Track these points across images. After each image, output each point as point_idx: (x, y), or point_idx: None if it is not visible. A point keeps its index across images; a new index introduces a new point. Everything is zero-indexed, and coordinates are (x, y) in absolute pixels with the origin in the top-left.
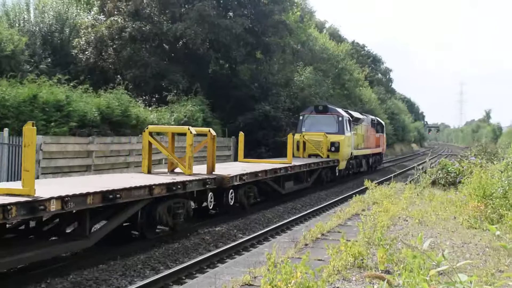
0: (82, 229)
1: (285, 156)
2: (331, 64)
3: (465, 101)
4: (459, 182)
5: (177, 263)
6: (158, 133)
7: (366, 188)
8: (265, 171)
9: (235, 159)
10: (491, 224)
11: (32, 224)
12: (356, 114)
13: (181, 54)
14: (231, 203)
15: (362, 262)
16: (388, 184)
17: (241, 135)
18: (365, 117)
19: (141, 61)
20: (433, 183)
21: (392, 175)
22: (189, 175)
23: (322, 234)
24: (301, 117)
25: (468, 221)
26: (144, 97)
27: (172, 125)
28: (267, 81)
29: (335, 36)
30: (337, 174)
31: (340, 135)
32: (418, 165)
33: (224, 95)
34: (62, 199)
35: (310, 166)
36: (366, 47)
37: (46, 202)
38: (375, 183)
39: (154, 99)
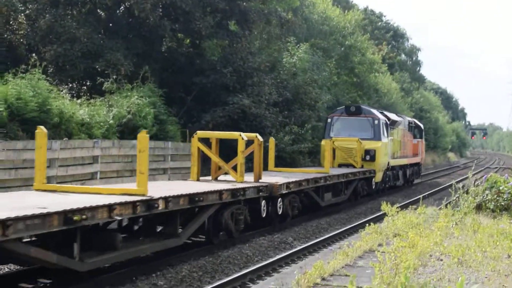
0: (173, 228)
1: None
2: (335, 40)
3: None
4: None
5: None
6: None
7: (385, 215)
8: (307, 180)
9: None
10: None
11: (125, 223)
12: (392, 116)
13: (123, 25)
14: (280, 213)
15: None
16: (415, 209)
17: (272, 141)
18: (401, 119)
19: (66, 33)
20: (479, 207)
21: (420, 196)
22: (241, 182)
23: (323, 279)
24: (329, 120)
25: None
26: (70, 85)
27: (111, 123)
28: (246, 64)
29: (341, 1)
30: (373, 187)
31: (376, 141)
32: (457, 182)
33: (183, 83)
34: (165, 199)
35: (347, 176)
36: (385, 16)
37: (157, 201)
38: (397, 207)
39: (85, 87)
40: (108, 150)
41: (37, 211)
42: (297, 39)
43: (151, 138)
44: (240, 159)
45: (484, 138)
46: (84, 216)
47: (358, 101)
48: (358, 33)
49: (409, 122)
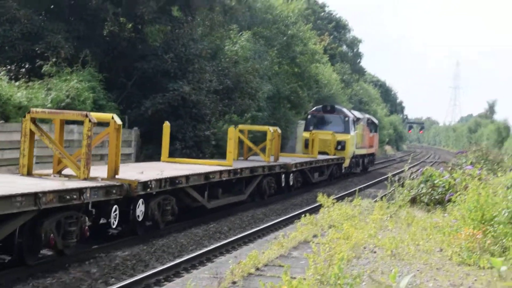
0: (241, 188)
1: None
2: (277, 29)
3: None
4: (449, 200)
5: None
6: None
7: (320, 206)
8: (308, 162)
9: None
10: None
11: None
12: (357, 114)
13: (64, 7)
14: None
15: None
16: (351, 201)
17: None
18: (362, 116)
19: (6, 13)
20: (413, 200)
21: (356, 188)
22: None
23: (257, 269)
24: (309, 116)
25: (459, 254)
26: (8, 67)
27: (49, 107)
28: (187, 51)
29: None
30: (342, 170)
31: (346, 134)
32: (394, 175)
33: (125, 68)
34: (241, 169)
35: (327, 161)
36: (327, 7)
37: (240, 170)
38: (333, 199)
39: (24, 69)
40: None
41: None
42: (239, 27)
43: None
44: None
45: (421, 132)
46: (212, 176)
47: (298, 91)
48: (301, 22)
49: (367, 119)
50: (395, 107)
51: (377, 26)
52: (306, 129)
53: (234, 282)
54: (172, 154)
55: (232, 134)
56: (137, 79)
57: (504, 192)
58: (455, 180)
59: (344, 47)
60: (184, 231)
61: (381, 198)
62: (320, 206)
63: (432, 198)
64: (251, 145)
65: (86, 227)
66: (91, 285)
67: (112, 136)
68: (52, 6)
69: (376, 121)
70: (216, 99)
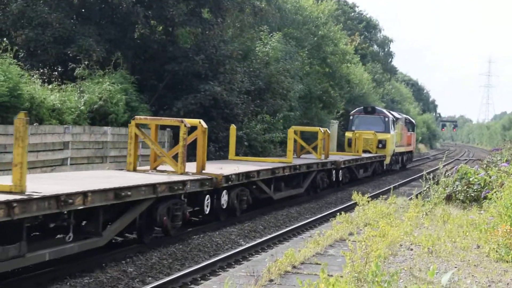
0: (299, 182)
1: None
2: (307, 30)
3: (493, 86)
4: (485, 197)
5: None
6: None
7: (355, 204)
8: (354, 159)
9: None
10: None
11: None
12: (396, 115)
13: (95, 11)
14: (224, 207)
15: None
16: (386, 199)
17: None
18: (401, 116)
19: (38, 18)
20: (449, 198)
21: (390, 186)
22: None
23: (294, 267)
24: (351, 117)
25: (497, 251)
26: (41, 70)
27: (82, 109)
28: (218, 52)
29: None
30: (384, 167)
31: (386, 134)
32: (428, 173)
33: (156, 70)
34: (300, 165)
35: (370, 159)
36: (358, 7)
37: (299, 166)
38: (368, 197)
39: (56, 73)
40: (79, 136)
41: (264, 167)
42: (270, 28)
43: (123, 125)
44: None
45: (454, 130)
46: (277, 171)
47: (330, 91)
48: (331, 23)
49: (405, 118)
50: (428, 105)
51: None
52: (349, 129)
53: (271, 280)
54: (207, 155)
55: (292, 134)
56: (168, 81)
57: None
58: (490, 177)
59: (375, 47)
60: (219, 230)
61: (416, 196)
62: (355, 204)
63: (468, 195)
64: (304, 144)
65: (187, 212)
66: (128, 284)
67: (199, 137)
68: (83, 10)
69: (413, 121)
70: (247, 100)
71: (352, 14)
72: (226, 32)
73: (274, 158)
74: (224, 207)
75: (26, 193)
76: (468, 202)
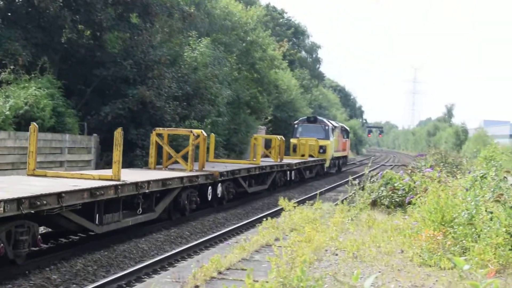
0: (264, 180)
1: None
2: (236, 35)
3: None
4: (409, 202)
5: None
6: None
7: (282, 210)
8: (303, 162)
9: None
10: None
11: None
12: (334, 123)
13: (22, 14)
14: (219, 196)
15: None
16: (312, 205)
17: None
18: (338, 125)
19: None
20: (374, 203)
21: (317, 191)
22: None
23: (220, 272)
24: (295, 126)
25: (420, 255)
26: None
27: (7, 114)
28: (146, 57)
29: None
30: (325, 170)
31: (326, 140)
32: (354, 178)
33: (83, 75)
34: (288, 164)
35: (315, 162)
36: (286, 13)
37: (264, 167)
38: (295, 203)
39: None
40: (4, 141)
41: (242, 167)
42: (198, 33)
43: (48, 130)
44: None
45: (380, 136)
46: (252, 171)
47: (258, 96)
48: (260, 29)
49: (341, 127)
50: (355, 111)
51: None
52: (294, 136)
53: (196, 286)
54: (133, 160)
55: (260, 140)
56: (96, 86)
57: (463, 194)
58: (415, 182)
59: (303, 53)
60: (145, 237)
61: (342, 201)
62: (281, 210)
63: (393, 200)
64: (264, 150)
65: (198, 199)
66: None
67: (201, 143)
68: (9, 14)
69: (347, 128)
70: (176, 105)
71: (281, 20)
72: (154, 37)
73: (245, 160)
74: (219, 196)
75: (121, 180)
76: (392, 207)
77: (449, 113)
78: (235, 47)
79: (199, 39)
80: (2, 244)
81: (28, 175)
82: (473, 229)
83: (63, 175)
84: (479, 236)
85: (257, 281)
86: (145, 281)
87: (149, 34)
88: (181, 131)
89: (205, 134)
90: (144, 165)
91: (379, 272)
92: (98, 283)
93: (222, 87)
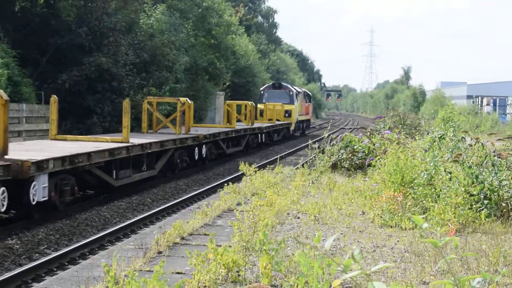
0: (240, 143)
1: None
2: (192, 1)
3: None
4: (369, 164)
5: None
6: None
7: (243, 175)
8: (272, 126)
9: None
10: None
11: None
12: (298, 89)
13: None
14: (203, 156)
15: (239, 275)
16: (273, 169)
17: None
18: (301, 90)
19: None
20: (334, 166)
21: (278, 156)
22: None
23: (182, 238)
24: (261, 92)
25: (381, 217)
26: None
27: None
28: (101, 24)
29: None
30: (290, 132)
31: (291, 105)
32: (314, 142)
33: (38, 43)
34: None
35: (282, 125)
36: None
37: (240, 130)
38: (255, 167)
39: None
40: None
41: (222, 130)
42: (154, 0)
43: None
44: (248, 114)
45: (339, 99)
46: (230, 134)
47: (215, 62)
48: None
49: (304, 92)
50: (313, 75)
51: None
52: (260, 101)
53: (159, 252)
54: (90, 128)
55: (234, 106)
56: (51, 54)
57: (422, 155)
58: (374, 145)
59: (260, 18)
60: (107, 204)
61: (303, 165)
62: (242, 175)
63: (353, 163)
64: (236, 114)
65: (187, 159)
66: (14, 261)
67: (187, 110)
68: None
69: (310, 93)
70: (133, 73)
71: None
72: (109, 4)
73: (221, 125)
74: (204, 156)
75: (130, 142)
76: (353, 169)
77: (407, 75)
78: (191, 13)
79: (155, 6)
80: (53, 193)
81: (51, 139)
82: (433, 189)
83: (80, 139)
84: (438, 196)
85: (220, 246)
86: (107, 248)
87: (103, 1)
88: (169, 99)
89: (190, 102)
90: (102, 132)
91: (341, 234)
92: (61, 251)
93: (179, 54)
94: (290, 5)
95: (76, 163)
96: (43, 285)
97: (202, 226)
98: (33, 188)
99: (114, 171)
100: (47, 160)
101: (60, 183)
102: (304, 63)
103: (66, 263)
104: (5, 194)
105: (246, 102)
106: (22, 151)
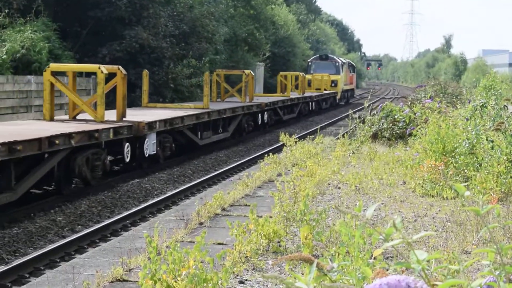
0: (293, 110)
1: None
2: None
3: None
4: (410, 134)
5: (17, 255)
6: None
7: (283, 145)
8: (323, 94)
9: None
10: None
11: None
12: (343, 60)
13: None
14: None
15: (279, 246)
16: (313, 140)
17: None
18: (345, 61)
19: None
20: (375, 136)
21: (318, 126)
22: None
23: (223, 209)
24: (309, 63)
25: (422, 186)
26: None
27: (4, 58)
28: None
29: None
30: (337, 101)
31: (337, 75)
32: (354, 112)
33: (78, 16)
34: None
35: (330, 94)
36: None
37: (295, 99)
38: (296, 138)
39: None
40: (2, 86)
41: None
42: None
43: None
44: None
45: (379, 69)
46: (287, 102)
47: (255, 33)
48: None
49: (348, 62)
50: (353, 45)
51: None
52: (308, 72)
53: (201, 223)
54: (133, 101)
55: (289, 77)
56: (91, 27)
57: (463, 123)
58: (415, 114)
59: None
60: (148, 176)
61: (343, 135)
62: (283, 146)
63: (393, 132)
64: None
65: (252, 123)
66: (58, 233)
67: (250, 81)
68: None
69: (354, 64)
70: (173, 44)
71: None
72: None
73: (277, 94)
74: (266, 121)
75: (210, 108)
76: (393, 139)
77: (448, 43)
78: None
79: None
80: (158, 148)
81: (143, 106)
82: (475, 158)
83: (168, 106)
84: (480, 165)
85: (260, 216)
86: (149, 220)
87: None
88: (235, 71)
89: (253, 74)
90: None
91: (382, 203)
92: (103, 223)
93: (219, 25)
94: None
95: (174, 124)
96: (86, 256)
97: (243, 197)
98: (146, 143)
99: (199, 132)
100: (155, 122)
101: (162, 140)
102: (344, 33)
103: (108, 235)
104: (129, 148)
105: (298, 73)
106: (129, 116)
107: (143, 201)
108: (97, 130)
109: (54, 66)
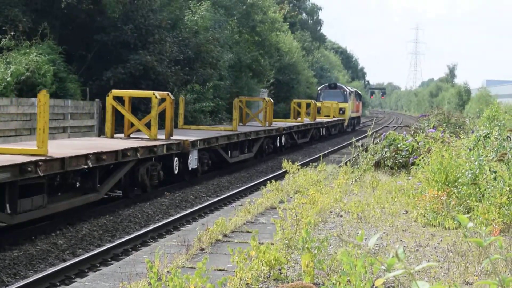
0: (306, 135)
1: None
2: None
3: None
4: (413, 163)
5: (17, 277)
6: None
7: (286, 172)
8: (331, 121)
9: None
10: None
11: None
12: (350, 88)
13: None
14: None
15: (281, 273)
16: (316, 167)
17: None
18: (353, 90)
19: None
20: (377, 165)
21: (320, 154)
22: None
23: (225, 235)
24: (318, 91)
25: (424, 216)
26: None
27: (9, 81)
28: (147, 22)
29: None
30: (344, 128)
31: (345, 103)
32: (357, 140)
33: (84, 40)
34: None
35: (338, 121)
36: None
37: (308, 125)
38: (298, 165)
39: None
40: (6, 108)
41: (294, 124)
42: None
43: (51, 96)
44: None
45: (383, 97)
46: (299, 127)
47: (259, 59)
48: None
49: (355, 91)
50: (357, 73)
51: None
52: (317, 100)
53: (202, 249)
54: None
55: (303, 104)
56: (97, 51)
57: (466, 153)
58: (418, 143)
59: (304, 15)
60: (150, 201)
61: (346, 163)
62: (285, 172)
63: (396, 161)
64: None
65: (272, 146)
66: (58, 257)
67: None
68: None
69: (360, 93)
70: (177, 69)
71: None
72: (154, 1)
73: (291, 119)
74: (283, 145)
75: (238, 131)
76: (396, 168)
77: (452, 73)
78: (235, 10)
79: (199, 3)
80: (198, 163)
81: (179, 128)
82: (477, 189)
83: (201, 128)
84: (483, 196)
85: (262, 243)
86: (150, 245)
87: None
88: (256, 98)
89: (272, 100)
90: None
91: (384, 233)
92: (104, 247)
93: (224, 51)
94: (334, 2)
95: (211, 143)
96: (86, 281)
97: (244, 224)
98: (189, 159)
99: (229, 151)
100: (196, 141)
101: (201, 157)
102: (348, 61)
103: (109, 259)
104: (178, 162)
105: (310, 100)
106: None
107: (144, 225)
108: (155, 146)
109: (115, 91)
